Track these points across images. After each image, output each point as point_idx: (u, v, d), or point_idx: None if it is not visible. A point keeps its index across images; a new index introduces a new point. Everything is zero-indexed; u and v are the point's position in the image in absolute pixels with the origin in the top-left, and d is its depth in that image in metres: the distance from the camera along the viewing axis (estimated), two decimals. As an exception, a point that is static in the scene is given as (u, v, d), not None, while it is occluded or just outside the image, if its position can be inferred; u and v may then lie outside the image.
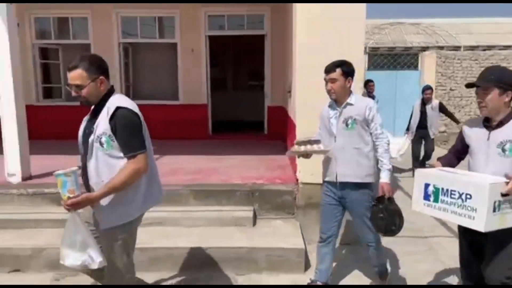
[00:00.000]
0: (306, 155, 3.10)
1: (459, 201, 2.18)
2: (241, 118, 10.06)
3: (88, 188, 2.37)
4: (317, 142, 3.17)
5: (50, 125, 7.43)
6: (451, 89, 11.35)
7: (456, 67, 11.34)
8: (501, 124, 2.31)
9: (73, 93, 2.33)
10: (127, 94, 8.21)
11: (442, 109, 7.36)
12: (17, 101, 4.47)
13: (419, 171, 2.49)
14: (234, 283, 3.48)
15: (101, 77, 2.32)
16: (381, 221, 2.91)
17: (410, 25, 14.62)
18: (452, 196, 2.22)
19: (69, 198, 2.19)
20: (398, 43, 14.86)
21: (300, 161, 4.15)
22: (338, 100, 2.98)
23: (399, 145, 6.60)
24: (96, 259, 2.29)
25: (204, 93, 7.96)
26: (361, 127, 2.93)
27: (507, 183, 2.10)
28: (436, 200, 2.31)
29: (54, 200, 4.30)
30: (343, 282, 3.50)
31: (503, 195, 2.08)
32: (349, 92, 2.97)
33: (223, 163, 5.60)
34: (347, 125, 2.92)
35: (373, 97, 7.26)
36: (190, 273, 3.60)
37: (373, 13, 21.61)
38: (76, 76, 2.27)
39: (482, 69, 2.48)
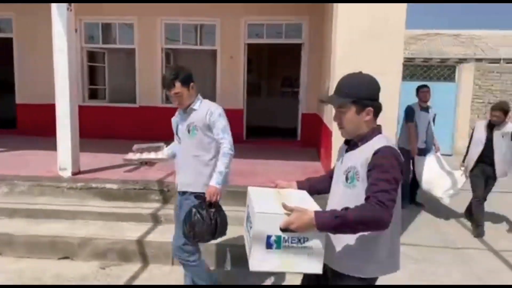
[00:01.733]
0: (146, 163, 2.95)
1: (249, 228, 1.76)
2: (274, 124, 10.24)
3: None
4: (157, 149, 2.96)
5: (94, 124, 7.84)
6: (489, 102, 11.12)
7: (495, 80, 11.10)
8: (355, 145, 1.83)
9: None
10: (166, 98, 8.57)
11: None
12: (71, 101, 4.82)
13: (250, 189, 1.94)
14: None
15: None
16: (191, 225, 2.67)
17: (448, 37, 14.43)
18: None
19: None
20: (434, 54, 14.69)
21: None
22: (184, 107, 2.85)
23: (449, 182, 5.12)
24: None
25: (241, 98, 8.18)
26: (203, 134, 2.79)
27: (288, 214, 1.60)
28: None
29: (100, 194, 4.61)
30: None
31: (282, 229, 1.59)
32: (194, 97, 2.84)
33: (258, 167, 5.78)
34: (189, 131, 2.79)
35: (426, 109, 5.71)
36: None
37: (411, 24, 21.31)
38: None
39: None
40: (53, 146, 5.02)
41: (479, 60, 12.97)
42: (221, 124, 2.78)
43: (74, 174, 4.89)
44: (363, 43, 4.00)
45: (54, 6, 4.55)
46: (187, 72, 2.78)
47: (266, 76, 12.23)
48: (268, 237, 1.60)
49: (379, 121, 1.83)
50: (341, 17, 4.10)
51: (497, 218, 5.49)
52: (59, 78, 4.75)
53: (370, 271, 1.76)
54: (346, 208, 1.59)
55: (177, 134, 2.91)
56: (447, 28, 14.41)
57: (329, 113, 4.69)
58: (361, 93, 1.74)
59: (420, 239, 4.60)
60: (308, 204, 1.77)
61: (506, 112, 4.74)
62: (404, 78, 11.41)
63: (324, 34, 6.69)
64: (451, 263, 4.06)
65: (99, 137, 7.67)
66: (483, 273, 3.84)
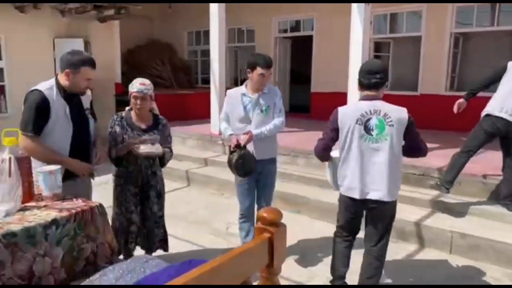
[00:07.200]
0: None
1: None
2: None
3: None
4: (149, 141, 2.97)
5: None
6: None
7: None
8: None
9: None
10: (451, 85, 8.12)
11: None
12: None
13: None
14: None
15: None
16: (241, 165, 3.19)
17: None
18: None
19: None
20: None
21: None
22: (254, 90, 3.35)
23: None
24: None
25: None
26: (272, 112, 3.41)
27: None
28: None
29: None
30: None
31: None
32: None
33: None
34: (262, 111, 3.35)
35: None
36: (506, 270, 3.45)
37: None
38: None
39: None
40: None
41: None
42: (281, 104, 3.44)
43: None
44: None
45: (354, 5, 5.12)
46: None
47: None
48: None
49: None
50: None
51: None
52: (352, 68, 5.33)
53: None
54: None
55: (240, 113, 3.38)
56: None
57: None
58: None
59: None
60: None
61: None
62: None
63: None
64: None
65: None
66: None
